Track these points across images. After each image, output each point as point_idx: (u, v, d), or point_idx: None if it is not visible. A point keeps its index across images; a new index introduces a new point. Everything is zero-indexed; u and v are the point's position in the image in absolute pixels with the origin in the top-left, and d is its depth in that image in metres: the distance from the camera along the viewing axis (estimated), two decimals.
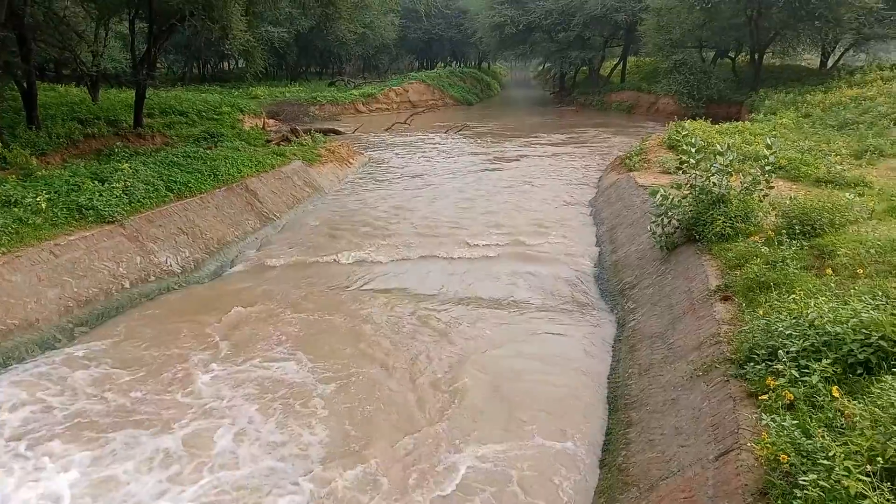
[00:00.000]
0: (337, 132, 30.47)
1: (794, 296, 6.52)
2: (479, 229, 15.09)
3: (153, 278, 11.34)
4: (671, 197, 10.64)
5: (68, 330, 9.30)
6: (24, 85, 17.12)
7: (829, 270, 7.24)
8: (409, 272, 12.41)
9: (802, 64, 42.65)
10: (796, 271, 7.44)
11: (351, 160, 23.52)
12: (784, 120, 22.60)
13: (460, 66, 76.25)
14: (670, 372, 7.10)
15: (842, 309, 5.70)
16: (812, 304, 6.03)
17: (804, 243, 8.46)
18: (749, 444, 4.84)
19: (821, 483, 3.79)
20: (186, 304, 10.80)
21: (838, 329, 5.39)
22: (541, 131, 34.76)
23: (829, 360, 5.14)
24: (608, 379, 8.21)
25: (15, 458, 6.59)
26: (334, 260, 13.00)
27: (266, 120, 28.68)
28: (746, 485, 4.52)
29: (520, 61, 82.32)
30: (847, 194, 10.19)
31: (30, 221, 10.25)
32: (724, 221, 9.52)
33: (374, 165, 24.41)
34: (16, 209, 10.42)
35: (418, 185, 20.79)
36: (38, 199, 10.76)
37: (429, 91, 50.92)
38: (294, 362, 8.73)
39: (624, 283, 11.08)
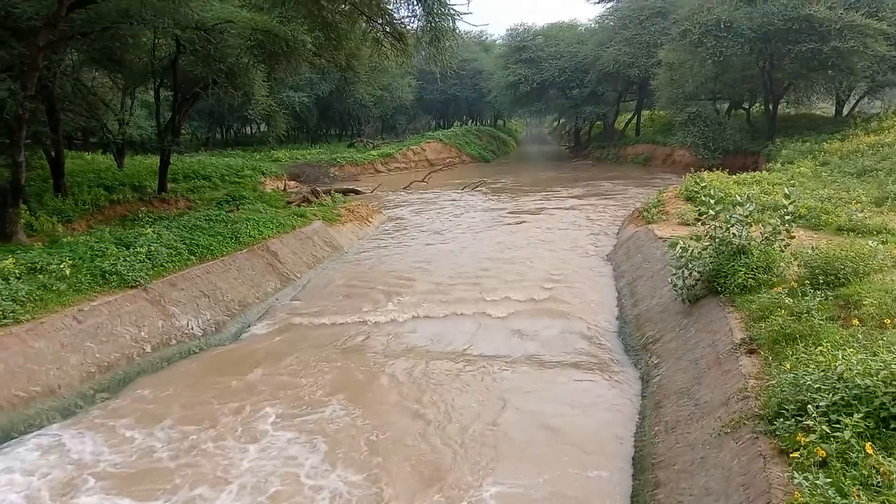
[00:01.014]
0: (356, 192, 30.88)
1: (821, 348, 6.38)
2: (499, 285, 15.04)
3: (174, 342, 11.40)
4: (691, 249, 10.58)
5: (89, 396, 9.32)
6: (52, 154, 17.65)
7: (855, 321, 7.10)
8: (430, 330, 12.33)
9: (818, 112, 42.81)
10: (822, 322, 7.30)
11: (370, 219, 23.76)
12: (802, 169, 22.56)
13: (476, 124, 77.42)
14: (698, 429, 6.92)
15: (871, 361, 5.56)
16: (840, 357, 5.88)
17: (828, 293, 8.32)
18: None
19: None
20: (209, 367, 10.81)
21: (868, 382, 5.25)
22: (557, 185, 34.98)
23: (860, 415, 5.00)
24: (634, 437, 8.03)
25: None
26: (356, 319, 12.97)
27: (287, 182, 29.25)
28: None
29: (535, 117, 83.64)
30: (870, 242, 10.04)
31: (54, 288, 10.40)
32: (745, 273, 9.42)
33: (393, 223, 24.61)
34: (40, 276, 10.59)
35: (437, 241, 20.89)
36: (62, 266, 10.93)
37: (446, 149, 51.62)
38: (335, 411, 8.94)
39: (646, 337, 10.93)
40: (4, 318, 9.15)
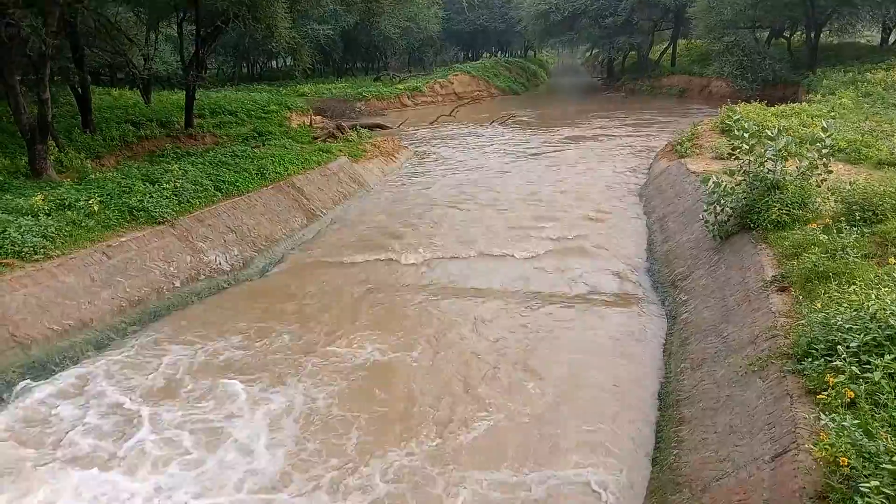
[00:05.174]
0: (382, 127, 30.54)
1: (854, 287, 6.21)
2: (528, 223, 14.88)
3: (203, 277, 11.53)
4: (724, 184, 10.29)
5: (121, 329, 9.52)
6: (79, 90, 17.62)
7: (892, 259, 6.87)
8: (458, 268, 12.27)
9: (862, 41, 40.91)
10: (857, 260, 7.09)
11: (396, 155, 23.53)
12: (843, 100, 21.68)
13: (506, 55, 75.60)
14: (724, 367, 6.85)
15: None
16: (874, 296, 5.72)
17: (865, 230, 8.07)
18: (807, 445, 4.60)
19: (884, 490, 3.56)
20: (241, 300, 10.98)
21: None
22: (588, 119, 34.23)
23: (892, 356, 4.86)
24: (659, 374, 7.99)
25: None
26: (382, 256, 12.96)
27: (313, 117, 28.95)
28: (804, 487, 4.30)
29: (567, 48, 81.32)
30: None
31: (83, 224, 10.52)
32: (779, 208, 9.16)
33: (419, 159, 24.38)
34: (69, 212, 10.71)
35: (463, 177, 20.66)
36: (90, 202, 11.04)
37: (474, 82, 50.58)
38: (375, 338, 9.29)
39: (675, 273, 10.77)
40: (35, 253, 9.31)
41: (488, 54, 74.88)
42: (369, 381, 8.13)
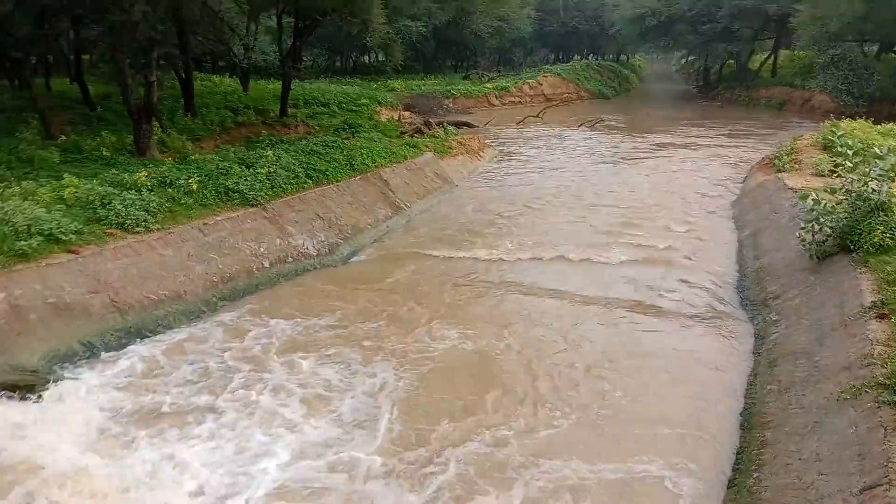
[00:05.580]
0: (469, 125, 30.60)
1: None
2: (613, 229, 14.63)
3: (291, 259, 11.91)
4: (824, 202, 9.86)
5: (213, 303, 9.95)
6: (183, 75, 18.45)
7: None
8: (540, 271, 12.20)
9: None
10: None
11: (481, 153, 23.56)
12: None
13: (597, 59, 74.43)
14: (814, 392, 6.57)
15: None
16: None
17: None
18: None
19: None
20: (326, 284, 11.36)
21: None
22: (681, 127, 33.32)
23: None
24: (744, 394, 7.73)
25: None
26: (465, 253, 13.03)
27: (402, 112, 29.33)
28: None
29: (661, 54, 79.54)
30: None
31: (182, 201, 11.10)
32: (883, 231, 8.73)
33: (504, 159, 24.32)
34: (170, 189, 11.29)
35: (549, 180, 20.47)
36: (189, 181, 11.59)
37: (563, 84, 50.00)
38: (458, 328, 9.52)
39: (767, 292, 10.38)
40: (137, 225, 9.87)
41: (579, 57, 73.89)
42: (453, 368, 8.47)
